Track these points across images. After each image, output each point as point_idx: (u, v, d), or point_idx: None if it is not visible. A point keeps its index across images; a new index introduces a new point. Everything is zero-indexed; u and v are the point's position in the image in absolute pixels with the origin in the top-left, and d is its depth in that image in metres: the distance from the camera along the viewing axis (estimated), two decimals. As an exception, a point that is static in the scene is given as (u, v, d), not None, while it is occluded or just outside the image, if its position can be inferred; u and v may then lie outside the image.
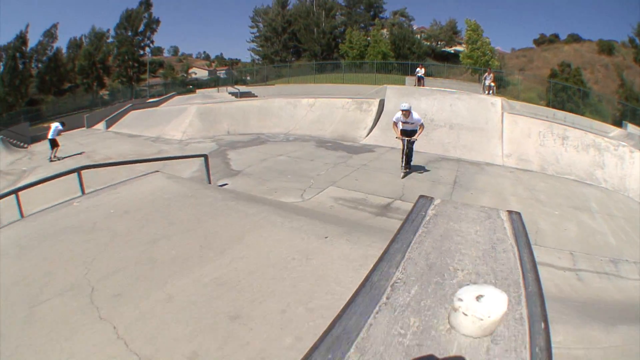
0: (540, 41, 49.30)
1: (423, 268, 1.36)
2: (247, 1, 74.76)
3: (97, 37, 53.15)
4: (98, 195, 4.53)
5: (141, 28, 53.17)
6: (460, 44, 42.39)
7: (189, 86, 40.01)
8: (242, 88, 25.18)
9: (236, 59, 60.85)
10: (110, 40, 53.28)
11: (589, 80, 35.73)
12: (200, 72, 59.65)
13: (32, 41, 48.77)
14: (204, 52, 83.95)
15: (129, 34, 51.97)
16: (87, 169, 7.27)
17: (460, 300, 1.02)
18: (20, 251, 2.95)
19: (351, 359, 0.92)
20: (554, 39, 49.25)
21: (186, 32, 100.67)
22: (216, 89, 27.11)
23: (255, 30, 52.56)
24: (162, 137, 14.64)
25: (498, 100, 12.13)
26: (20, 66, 45.73)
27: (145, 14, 52.95)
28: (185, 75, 57.31)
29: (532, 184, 8.60)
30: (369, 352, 0.94)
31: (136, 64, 51.64)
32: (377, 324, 1.05)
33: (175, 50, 79.43)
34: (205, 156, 7.52)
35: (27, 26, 47.05)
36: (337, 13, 47.23)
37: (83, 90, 48.53)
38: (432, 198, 2.04)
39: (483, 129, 11.41)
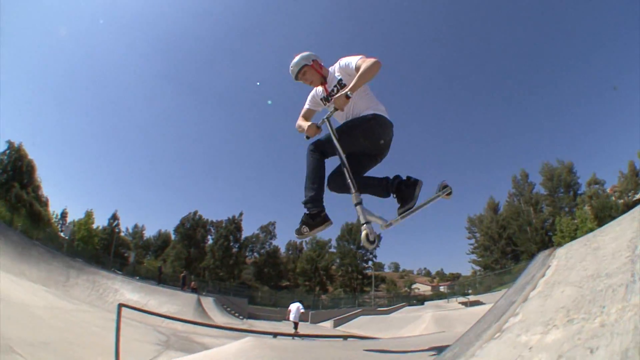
0: None
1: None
2: (461, 212, 77.65)
3: (319, 245, 60.65)
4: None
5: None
6: (644, 182, 40.11)
7: (413, 301, 41.88)
8: (471, 297, 25.70)
9: (457, 272, 62.29)
10: (332, 249, 60.01)
11: None
12: (422, 287, 61.08)
13: (246, 230, 58.86)
14: (425, 268, 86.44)
15: (352, 247, 58.34)
16: (354, 337, 9.12)
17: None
18: None
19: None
20: None
21: (406, 250, 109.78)
22: (445, 300, 28.87)
23: (472, 240, 54.66)
24: (397, 339, 15.76)
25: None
26: (234, 249, 55.03)
27: (365, 234, 59.05)
28: (408, 289, 59.72)
29: None
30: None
31: (360, 276, 57.07)
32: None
33: (395, 266, 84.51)
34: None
35: (241, 214, 58.16)
36: (543, 204, 47.69)
37: (304, 292, 53.48)
38: None
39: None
